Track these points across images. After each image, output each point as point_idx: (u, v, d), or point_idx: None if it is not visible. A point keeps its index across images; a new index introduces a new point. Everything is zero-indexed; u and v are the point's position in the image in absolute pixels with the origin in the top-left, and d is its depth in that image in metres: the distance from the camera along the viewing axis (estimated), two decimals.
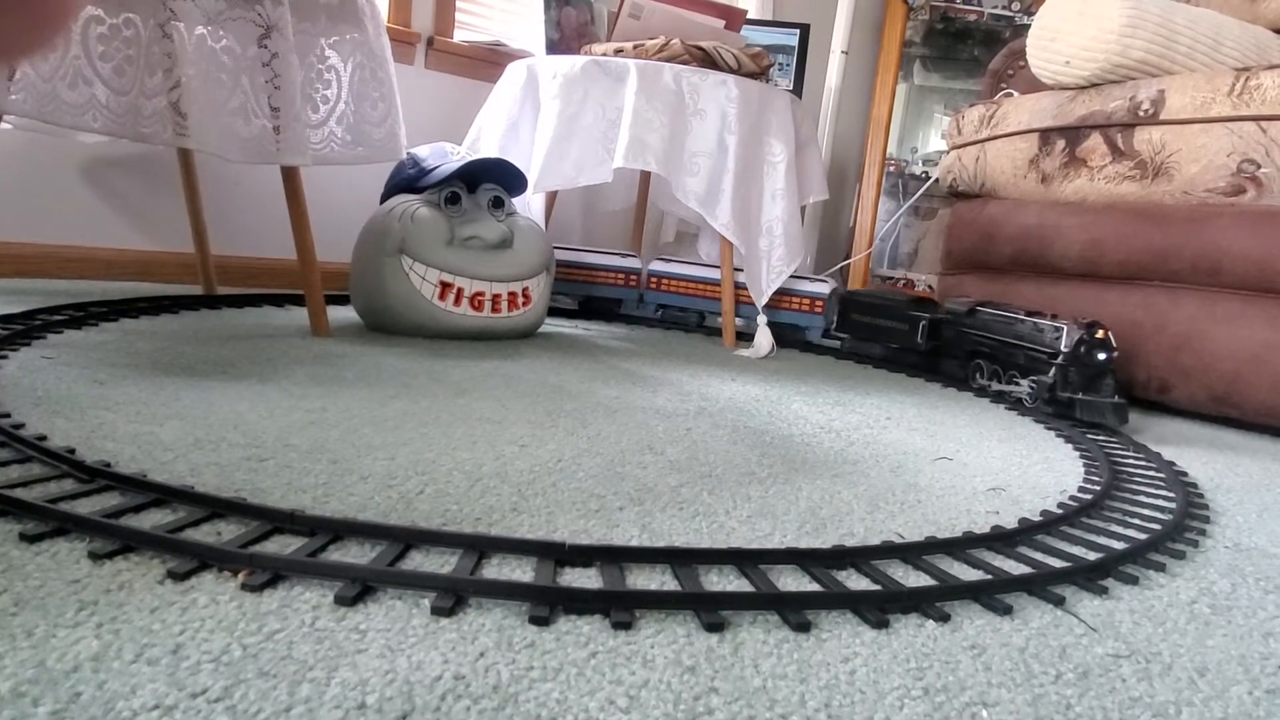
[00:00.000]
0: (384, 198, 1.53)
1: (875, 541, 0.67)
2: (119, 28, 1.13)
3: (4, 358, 0.96)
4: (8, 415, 0.74)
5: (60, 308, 1.23)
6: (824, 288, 1.87)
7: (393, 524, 0.58)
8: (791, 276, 1.80)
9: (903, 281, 2.84)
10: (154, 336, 1.19)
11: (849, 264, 2.78)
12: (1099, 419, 1.22)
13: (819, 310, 1.86)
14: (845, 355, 1.78)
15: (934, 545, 0.65)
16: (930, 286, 2.66)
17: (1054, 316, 1.31)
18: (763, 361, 1.60)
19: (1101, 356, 1.24)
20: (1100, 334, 1.25)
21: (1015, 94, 1.86)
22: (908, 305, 1.62)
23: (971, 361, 1.52)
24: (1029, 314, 1.36)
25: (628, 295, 1.96)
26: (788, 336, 1.86)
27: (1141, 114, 1.50)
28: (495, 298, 1.45)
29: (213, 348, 1.15)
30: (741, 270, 1.77)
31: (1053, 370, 1.27)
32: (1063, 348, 1.26)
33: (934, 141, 2.89)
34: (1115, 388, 1.25)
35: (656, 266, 1.97)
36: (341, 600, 0.48)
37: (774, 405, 1.19)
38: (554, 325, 1.81)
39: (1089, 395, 1.24)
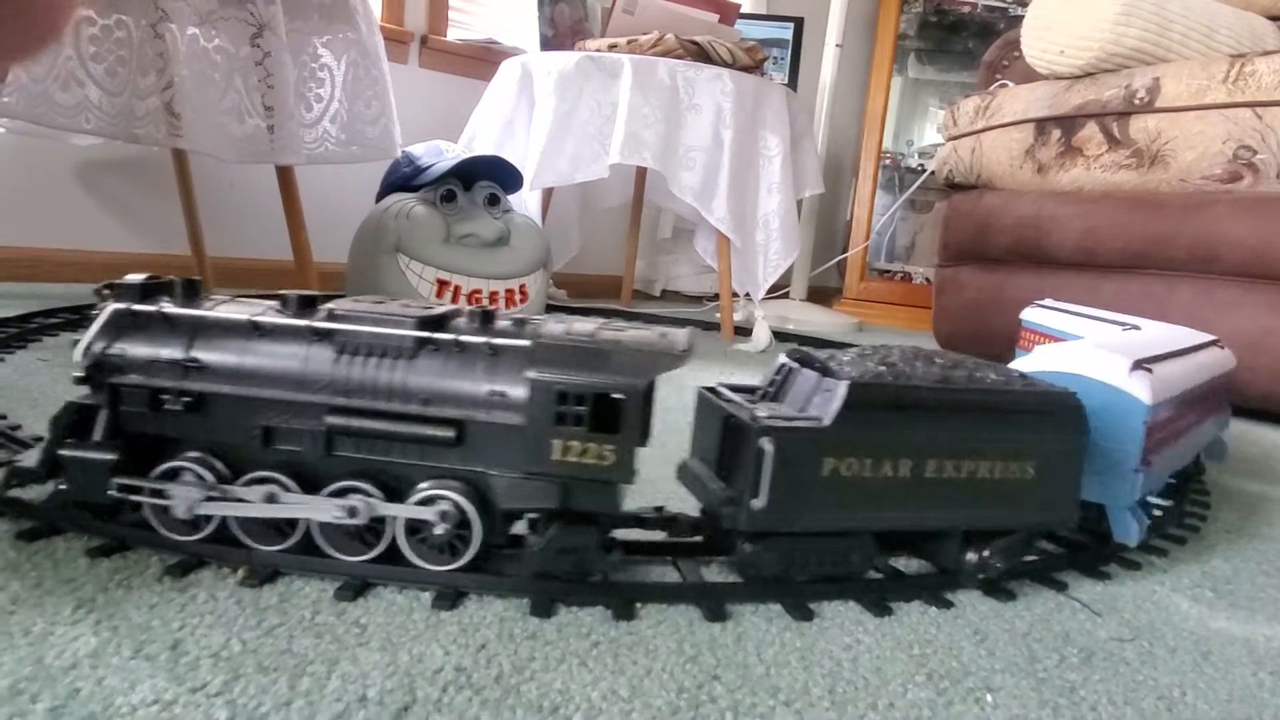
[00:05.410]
0: (379, 196, 1.53)
1: None
2: (110, 28, 1.13)
3: (0, 360, 0.96)
4: (4, 417, 0.74)
5: (56, 310, 1.23)
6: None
7: None
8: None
9: (900, 274, 2.84)
10: None
11: (846, 258, 2.78)
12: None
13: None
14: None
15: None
16: (928, 279, 2.66)
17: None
18: (761, 355, 1.60)
19: None
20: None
21: (1010, 85, 1.86)
22: None
23: None
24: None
25: None
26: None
27: (1137, 102, 1.49)
28: (493, 295, 1.44)
29: None
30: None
31: None
32: None
33: (929, 134, 2.89)
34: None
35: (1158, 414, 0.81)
36: (342, 595, 0.47)
37: None
38: None
39: None
